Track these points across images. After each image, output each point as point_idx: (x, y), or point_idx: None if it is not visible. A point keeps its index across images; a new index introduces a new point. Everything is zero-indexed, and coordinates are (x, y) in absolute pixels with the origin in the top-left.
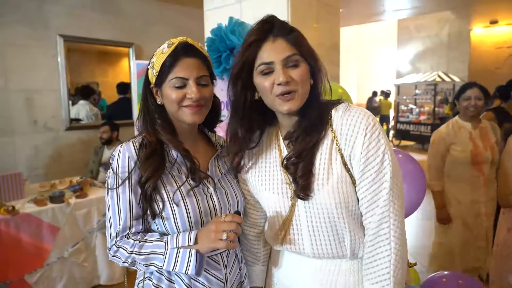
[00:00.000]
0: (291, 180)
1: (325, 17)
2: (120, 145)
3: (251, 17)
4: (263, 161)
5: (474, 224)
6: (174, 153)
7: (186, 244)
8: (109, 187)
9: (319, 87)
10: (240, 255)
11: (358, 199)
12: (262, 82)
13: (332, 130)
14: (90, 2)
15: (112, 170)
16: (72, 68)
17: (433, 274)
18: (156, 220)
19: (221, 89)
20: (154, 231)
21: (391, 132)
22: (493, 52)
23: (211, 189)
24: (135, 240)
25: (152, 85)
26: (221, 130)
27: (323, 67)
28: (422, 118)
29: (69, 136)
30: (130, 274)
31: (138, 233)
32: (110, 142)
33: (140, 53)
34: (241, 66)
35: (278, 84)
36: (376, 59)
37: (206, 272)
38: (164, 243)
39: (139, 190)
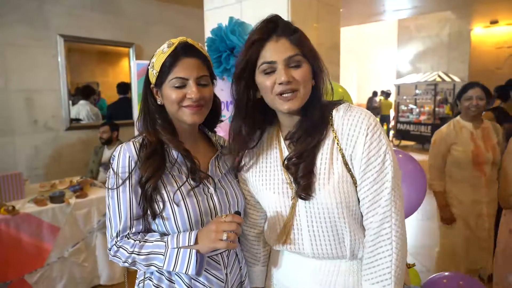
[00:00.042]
0: (292, 180)
1: (325, 16)
2: (120, 145)
3: (251, 17)
4: (263, 160)
5: (476, 225)
6: (174, 153)
7: (187, 244)
8: (110, 187)
9: (321, 88)
10: (241, 255)
11: (358, 200)
12: (263, 81)
13: (333, 130)
14: (90, 2)
15: (113, 170)
16: (72, 68)
17: (434, 275)
18: (157, 220)
19: (221, 89)
20: (154, 231)
21: (391, 132)
22: (494, 52)
23: (212, 189)
24: (135, 240)
25: (152, 85)
26: (221, 130)
27: (325, 68)
28: (422, 118)
29: (69, 136)
30: (130, 274)
31: (139, 233)
32: (110, 142)
33: (140, 53)
34: (244, 65)
35: (280, 84)
36: (376, 59)
37: (207, 272)
38: (164, 243)
39: (140, 190)
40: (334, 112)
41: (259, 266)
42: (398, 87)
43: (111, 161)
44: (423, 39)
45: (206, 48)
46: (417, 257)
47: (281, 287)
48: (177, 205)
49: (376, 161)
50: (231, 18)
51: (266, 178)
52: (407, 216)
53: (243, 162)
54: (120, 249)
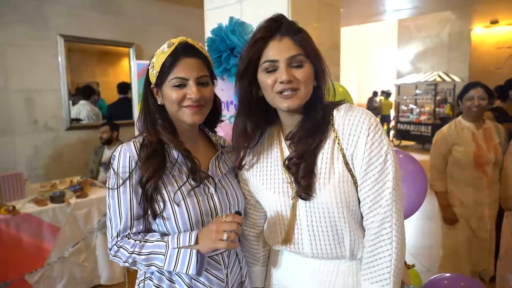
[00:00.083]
0: (292, 180)
1: (325, 16)
2: (121, 145)
3: (251, 17)
4: (264, 160)
5: (478, 227)
6: (175, 153)
7: (187, 244)
8: (110, 187)
9: (323, 89)
10: (241, 255)
11: (359, 200)
12: (265, 80)
13: (334, 130)
14: (90, 2)
15: (113, 170)
16: (73, 68)
17: (435, 276)
18: (157, 220)
19: (222, 89)
20: (155, 231)
21: (392, 132)
22: (494, 52)
23: (212, 189)
24: (135, 240)
25: (152, 85)
26: (221, 130)
27: (328, 69)
28: (423, 118)
29: (69, 136)
30: (130, 274)
31: (139, 233)
32: (110, 142)
33: (140, 53)
34: (247, 62)
35: (280, 82)
36: (376, 59)
37: (207, 272)
38: (164, 243)
39: (140, 190)
40: (335, 112)
41: (258, 266)
42: (398, 87)
43: (112, 161)
44: (423, 39)
45: (206, 48)
46: (417, 257)
47: (281, 287)
48: (178, 205)
49: (378, 161)
50: (231, 18)
51: (267, 178)
52: (407, 216)
53: (244, 161)
54: (121, 249)
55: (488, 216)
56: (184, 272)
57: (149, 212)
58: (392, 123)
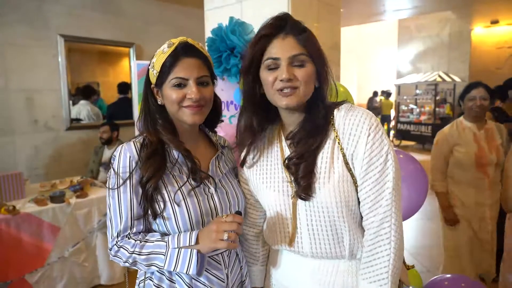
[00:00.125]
0: (292, 179)
1: (325, 16)
2: (121, 145)
3: (251, 17)
4: (264, 159)
5: (479, 228)
6: (175, 153)
7: (187, 244)
8: (110, 187)
9: (325, 89)
10: (241, 255)
11: (358, 199)
12: (266, 77)
13: (334, 130)
14: (90, 2)
15: (113, 170)
16: (73, 68)
17: (435, 277)
18: (157, 220)
19: (222, 89)
20: (155, 231)
21: (392, 132)
22: (494, 52)
23: (212, 189)
24: (136, 240)
25: (152, 85)
26: (221, 130)
27: (330, 70)
28: (423, 118)
29: (69, 136)
30: (130, 274)
31: (139, 233)
32: (110, 142)
33: (141, 53)
34: (250, 59)
35: (280, 80)
36: (376, 59)
37: (207, 272)
38: (165, 243)
39: (140, 190)
40: (335, 111)
41: (258, 266)
42: (399, 87)
43: (112, 161)
44: (424, 39)
45: (206, 48)
46: (417, 257)
47: (280, 287)
48: (178, 205)
49: (378, 161)
50: (231, 18)
51: (267, 176)
52: (408, 217)
53: (246, 159)
54: (121, 249)
55: (489, 217)
56: (185, 272)
57: (149, 212)
58: (392, 123)
